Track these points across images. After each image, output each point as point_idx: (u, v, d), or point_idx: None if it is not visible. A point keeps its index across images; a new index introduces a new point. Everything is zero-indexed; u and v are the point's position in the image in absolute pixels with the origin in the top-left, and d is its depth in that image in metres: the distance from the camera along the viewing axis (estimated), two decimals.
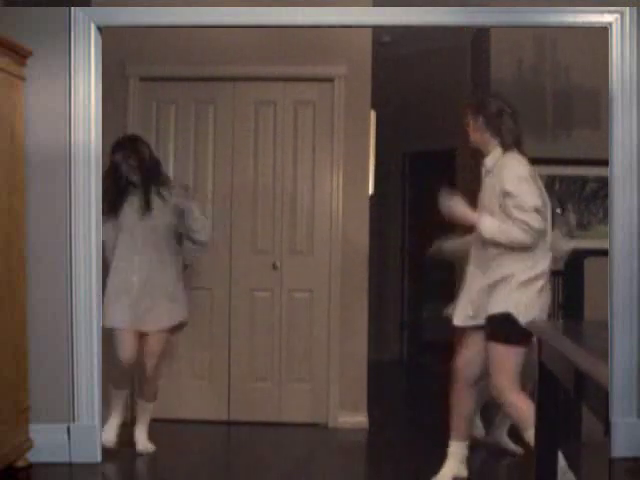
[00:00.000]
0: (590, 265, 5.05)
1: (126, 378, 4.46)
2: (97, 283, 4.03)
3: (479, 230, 3.76)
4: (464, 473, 3.85)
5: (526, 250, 3.63)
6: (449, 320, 3.88)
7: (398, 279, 8.45)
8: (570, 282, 4.81)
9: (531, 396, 3.50)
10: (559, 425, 3.02)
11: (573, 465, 3.76)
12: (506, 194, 3.67)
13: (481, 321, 3.70)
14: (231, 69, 5.15)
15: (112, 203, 4.27)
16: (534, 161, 6.88)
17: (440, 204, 3.92)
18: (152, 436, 4.47)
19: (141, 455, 4.32)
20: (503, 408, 3.83)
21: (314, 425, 5.08)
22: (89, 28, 4.01)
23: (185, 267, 5.10)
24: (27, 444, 3.89)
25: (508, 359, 3.62)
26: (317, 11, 4.00)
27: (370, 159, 5.16)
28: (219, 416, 5.14)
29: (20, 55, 3.82)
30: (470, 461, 3.90)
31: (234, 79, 5.19)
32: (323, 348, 5.10)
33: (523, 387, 3.74)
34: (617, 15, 3.94)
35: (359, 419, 5.05)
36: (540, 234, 3.64)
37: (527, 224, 3.58)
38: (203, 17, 4.02)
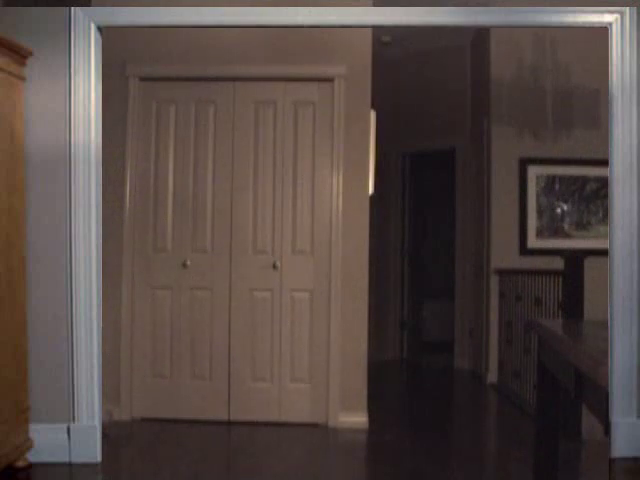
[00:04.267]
0: (590, 265, 5.06)
1: None
2: (97, 283, 4.03)
3: None
4: None
5: None
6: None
7: (398, 279, 8.45)
8: (570, 282, 4.81)
9: None
10: (559, 425, 3.02)
11: (573, 465, 3.76)
12: None
13: None
14: (231, 69, 5.15)
15: None
16: (534, 161, 6.93)
17: None
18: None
19: None
20: None
21: (314, 425, 5.08)
22: (89, 28, 4.01)
23: (184, 265, 5.12)
24: (27, 444, 3.89)
25: None
26: (317, 11, 4.00)
27: (370, 159, 5.16)
28: (219, 416, 5.15)
29: (20, 55, 3.83)
30: None
31: (234, 79, 5.20)
32: (323, 348, 5.11)
33: None
34: (617, 15, 3.94)
35: (359, 419, 5.06)
36: None
37: None
38: (203, 17, 4.02)
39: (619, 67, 3.95)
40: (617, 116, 3.95)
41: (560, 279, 5.14)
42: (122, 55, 5.12)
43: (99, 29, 4.06)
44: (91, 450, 4.01)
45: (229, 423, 5.12)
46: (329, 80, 5.13)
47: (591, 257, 5.42)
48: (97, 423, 4.03)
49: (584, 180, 6.70)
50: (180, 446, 4.59)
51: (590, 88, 6.57)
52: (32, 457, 3.93)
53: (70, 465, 3.98)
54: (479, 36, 7.30)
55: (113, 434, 4.69)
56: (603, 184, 6.65)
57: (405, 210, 8.50)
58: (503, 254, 6.79)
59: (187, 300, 5.19)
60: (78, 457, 4.00)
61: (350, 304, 5.08)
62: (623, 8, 3.94)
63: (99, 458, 4.02)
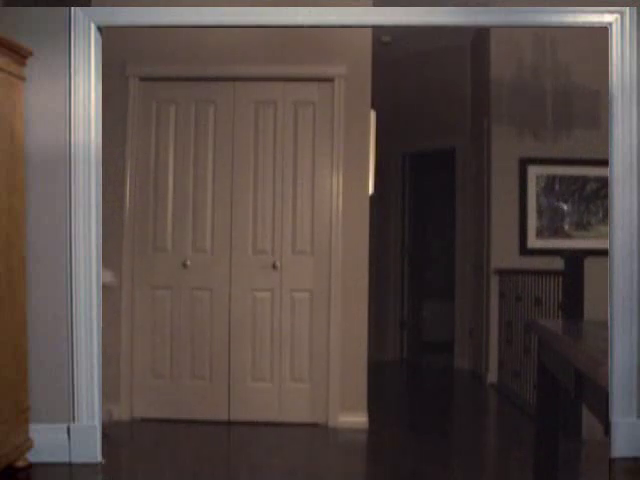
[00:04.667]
0: (590, 265, 5.05)
1: None
2: (97, 283, 4.03)
3: None
4: None
5: None
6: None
7: (398, 279, 8.45)
8: (570, 282, 4.81)
9: None
10: (559, 425, 3.02)
11: (573, 465, 3.76)
12: None
13: None
14: (231, 69, 5.15)
15: None
16: (534, 161, 6.92)
17: None
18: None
19: None
20: None
21: (314, 425, 5.08)
22: (89, 28, 4.01)
23: (184, 265, 5.11)
24: (27, 444, 3.89)
25: None
26: (317, 11, 4.00)
27: (370, 159, 5.16)
28: (219, 416, 5.14)
29: (20, 55, 3.83)
30: None
31: (234, 79, 5.20)
32: (323, 348, 5.11)
33: None
34: (617, 15, 3.94)
35: (359, 419, 5.06)
36: None
37: None
38: (203, 17, 4.02)
39: (619, 67, 3.95)
40: (617, 116, 3.95)
41: (560, 279, 5.14)
42: (122, 55, 5.12)
43: (99, 29, 4.06)
44: (91, 450, 4.01)
45: (229, 423, 5.12)
46: (329, 80, 5.13)
47: (591, 257, 5.42)
48: (97, 423, 4.03)
49: (584, 180, 6.70)
50: (180, 446, 4.59)
51: (590, 88, 6.58)
52: (32, 457, 3.93)
53: (70, 465, 3.98)
54: (479, 36, 7.30)
55: (113, 434, 4.69)
56: (603, 184, 6.65)
57: (405, 210, 8.50)
58: (503, 254, 6.79)
59: (187, 300, 5.19)
60: (78, 457, 4.00)
61: (350, 304, 5.08)
62: (623, 8, 3.94)
63: (99, 458, 4.02)
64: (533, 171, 6.73)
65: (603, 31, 4.00)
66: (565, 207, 6.72)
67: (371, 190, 5.20)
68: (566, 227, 6.72)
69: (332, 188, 5.11)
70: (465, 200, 7.80)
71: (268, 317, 5.15)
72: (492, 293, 6.84)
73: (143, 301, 5.19)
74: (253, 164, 5.19)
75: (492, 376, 6.78)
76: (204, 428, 5.01)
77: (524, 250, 6.75)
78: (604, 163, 6.10)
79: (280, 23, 4.07)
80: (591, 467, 4.25)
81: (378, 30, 6.57)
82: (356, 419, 5.05)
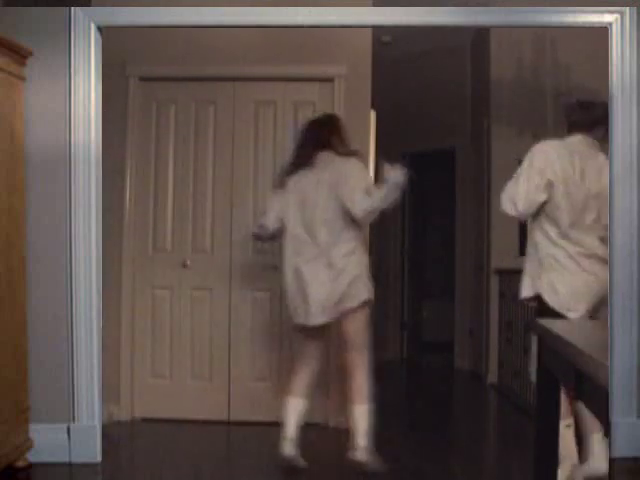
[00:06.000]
0: None
1: None
2: (97, 283, 4.03)
3: None
4: None
5: None
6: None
7: (398, 279, 8.45)
8: None
9: None
10: (559, 425, 3.02)
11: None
12: None
13: None
14: (231, 69, 5.15)
15: None
16: None
17: None
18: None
19: None
20: None
21: (314, 425, 5.07)
22: (89, 28, 4.01)
23: (184, 265, 5.11)
24: (27, 444, 3.89)
25: None
26: (317, 11, 4.00)
27: (370, 159, 5.16)
28: (219, 416, 5.14)
29: (20, 55, 3.82)
30: None
31: (234, 79, 5.19)
32: None
33: None
34: (617, 15, 3.94)
35: None
36: None
37: None
38: (203, 17, 4.02)
39: (619, 67, 3.95)
40: (617, 116, 3.95)
41: None
42: (122, 55, 5.11)
43: (99, 29, 4.06)
44: (91, 450, 4.01)
45: (229, 423, 5.12)
46: (329, 80, 5.12)
47: None
48: (97, 423, 4.03)
49: None
50: (180, 446, 4.58)
51: (590, 88, 6.57)
52: (32, 457, 3.93)
53: (70, 465, 3.97)
54: (479, 36, 7.29)
55: (113, 434, 4.69)
56: None
57: (405, 210, 8.50)
58: (503, 254, 6.78)
59: (187, 300, 5.18)
60: (78, 457, 3.99)
61: None
62: (623, 8, 3.94)
63: (99, 458, 4.02)
64: None
65: (603, 31, 4.00)
66: None
67: None
68: None
69: None
70: (465, 200, 7.79)
71: (268, 317, 5.15)
72: (492, 293, 6.83)
73: (143, 301, 5.18)
74: (253, 164, 5.19)
75: (492, 376, 6.78)
76: (204, 428, 5.01)
77: (524, 250, 6.73)
78: None
79: (280, 23, 4.07)
80: None
81: (378, 30, 6.56)
82: None
